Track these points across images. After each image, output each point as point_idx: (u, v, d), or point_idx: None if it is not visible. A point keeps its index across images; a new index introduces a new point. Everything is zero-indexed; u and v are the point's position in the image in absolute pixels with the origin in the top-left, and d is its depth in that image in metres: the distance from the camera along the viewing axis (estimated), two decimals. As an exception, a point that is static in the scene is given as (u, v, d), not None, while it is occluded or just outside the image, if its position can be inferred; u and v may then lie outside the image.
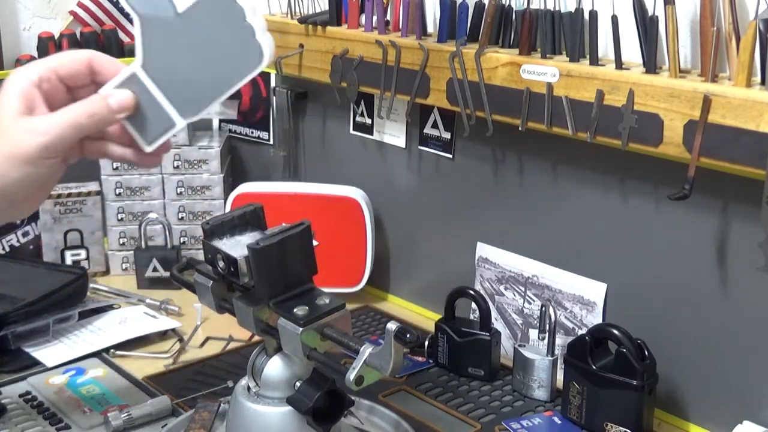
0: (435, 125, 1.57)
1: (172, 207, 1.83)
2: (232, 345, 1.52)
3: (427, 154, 1.60)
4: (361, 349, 0.97)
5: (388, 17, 1.54)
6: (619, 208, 1.32)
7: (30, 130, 0.84)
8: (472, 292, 1.44)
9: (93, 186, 1.82)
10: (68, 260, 1.81)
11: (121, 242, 1.85)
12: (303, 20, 1.64)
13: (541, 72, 1.27)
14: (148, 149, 0.89)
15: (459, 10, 1.40)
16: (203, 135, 1.89)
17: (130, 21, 2.03)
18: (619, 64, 1.22)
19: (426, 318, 1.64)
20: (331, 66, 1.61)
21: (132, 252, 1.81)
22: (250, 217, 1.09)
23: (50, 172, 0.88)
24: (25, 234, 1.85)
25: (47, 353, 1.46)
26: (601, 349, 1.27)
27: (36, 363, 1.44)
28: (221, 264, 1.04)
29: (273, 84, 1.86)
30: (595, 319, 1.37)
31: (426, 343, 1.46)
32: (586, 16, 1.25)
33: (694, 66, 1.20)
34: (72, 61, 0.90)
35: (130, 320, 1.59)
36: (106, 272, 1.85)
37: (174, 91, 0.87)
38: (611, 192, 1.33)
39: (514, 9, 1.35)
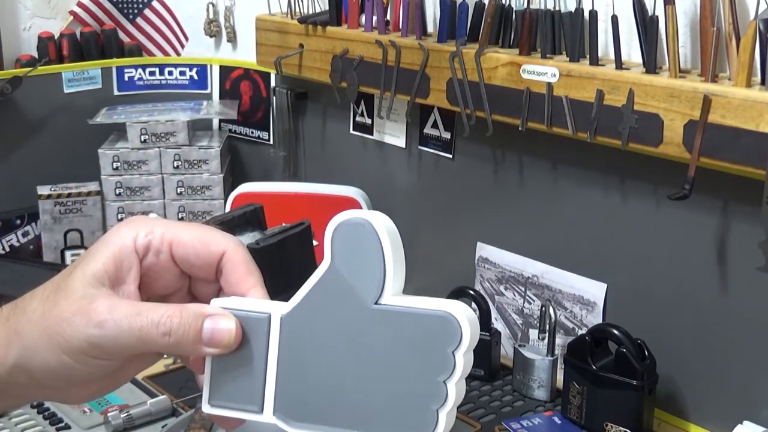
0: (435, 125, 1.57)
1: (172, 207, 1.83)
2: (232, 345, 1.52)
3: (427, 154, 1.60)
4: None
5: (388, 17, 1.54)
6: (619, 208, 1.32)
7: (86, 311, 0.59)
8: (472, 292, 1.44)
9: (93, 186, 1.82)
10: (68, 260, 1.81)
11: (121, 242, 1.85)
12: (303, 20, 1.64)
13: (541, 72, 1.27)
14: (205, 408, 0.62)
15: (459, 10, 1.40)
16: (203, 135, 1.89)
17: (131, 21, 2.05)
18: (619, 64, 1.22)
19: (426, 318, 1.63)
20: (331, 66, 1.61)
21: (132, 252, 1.80)
22: (250, 217, 1.09)
23: (100, 372, 0.60)
24: (25, 234, 1.85)
25: (47, 353, 1.46)
26: (601, 349, 1.27)
27: (36, 363, 1.44)
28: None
29: (273, 84, 1.86)
30: (595, 319, 1.37)
31: (426, 343, 1.46)
32: (586, 16, 1.25)
33: (694, 66, 1.20)
34: (198, 243, 0.62)
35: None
36: (106, 272, 1.85)
37: (292, 380, 0.59)
38: (611, 192, 1.33)
39: (514, 9, 1.35)
